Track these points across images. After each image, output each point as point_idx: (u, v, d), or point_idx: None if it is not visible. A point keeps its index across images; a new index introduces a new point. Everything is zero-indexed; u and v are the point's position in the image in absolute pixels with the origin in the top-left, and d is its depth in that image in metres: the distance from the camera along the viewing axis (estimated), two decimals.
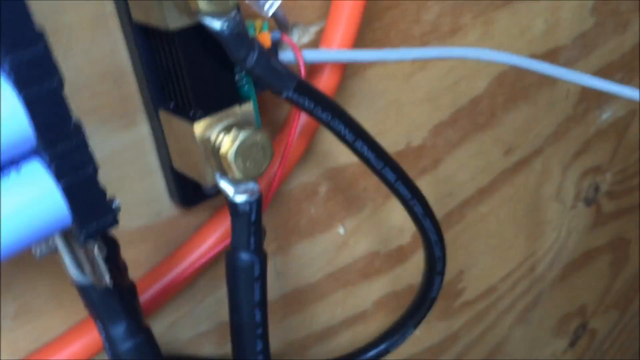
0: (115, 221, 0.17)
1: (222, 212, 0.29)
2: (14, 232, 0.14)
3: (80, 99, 0.24)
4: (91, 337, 0.25)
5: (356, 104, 0.34)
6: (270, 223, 0.33)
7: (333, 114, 0.26)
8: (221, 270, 0.27)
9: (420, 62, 0.36)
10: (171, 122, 0.25)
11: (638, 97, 0.27)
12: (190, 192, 0.27)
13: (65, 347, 0.25)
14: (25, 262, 0.25)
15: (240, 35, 0.22)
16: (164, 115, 0.25)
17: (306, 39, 0.31)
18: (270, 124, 0.30)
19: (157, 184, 0.28)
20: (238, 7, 0.22)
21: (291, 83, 0.24)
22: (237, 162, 0.23)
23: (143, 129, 0.26)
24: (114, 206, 0.18)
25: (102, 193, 0.16)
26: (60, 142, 0.14)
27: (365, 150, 0.27)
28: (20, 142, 0.14)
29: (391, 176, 0.28)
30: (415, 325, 0.36)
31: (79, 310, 0.26)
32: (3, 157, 0.14)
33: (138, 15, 0.23)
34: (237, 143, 0.23)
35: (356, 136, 0.27)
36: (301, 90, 0.25)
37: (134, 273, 0.24)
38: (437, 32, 0.37)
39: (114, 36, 0.24)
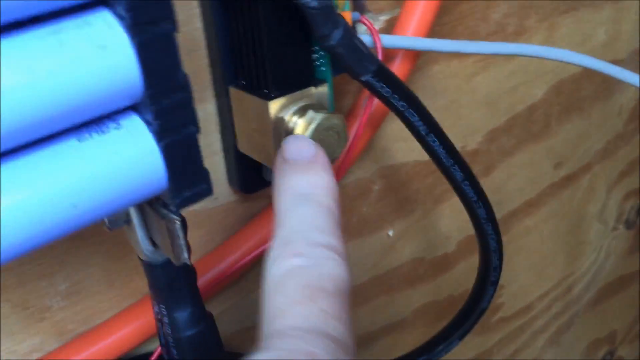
0: (210, 191, 0.15)
1: None
2: (109, 191, 0.13)
3: None
4: (142, 321, 0.24)
5: None
6: None
7: (409, 104, 0.24)
8: None
9: (483, 63, 0.35)
10: (242, 100, 0.23)
11: None
12: (250, 178, 0.26)
13: (114, 332, 0.23)
14: (78, 241, 0.23)
15: (329, 9, 0.21)
16: (234, 93, 0.24)
17: (377, 26, 0.29)
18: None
19: (217, 166, 0.26)
20: None
21: (372, 66, 0.23)
22: None
23: (209, 107, 0.25)
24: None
25: (200, 159, 0.15)
26: (166, 96, 0.13)
27: (436, 145, 0.26)
28: (128, 91, 0.12)
29: (459, 175, 0.27)
30: (461, 337, 0.35)
31: (130, 293, 0.25)
32: (107, 109, 0.12)
33: None
34: (313, 125, 0.22)
35: (429, 129, 0.25)
36: (380, 75, 0.23)
37: None
38: (503, 33, 0.35)
39: (190, 5, 0.23)
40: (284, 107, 0.23)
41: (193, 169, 0.14)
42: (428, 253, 0.38)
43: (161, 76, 0.13)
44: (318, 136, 0.22)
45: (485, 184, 0.40)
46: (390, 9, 0.30)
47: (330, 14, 0.21)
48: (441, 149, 0.26)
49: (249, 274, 0.29)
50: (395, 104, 0.24)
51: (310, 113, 0.22)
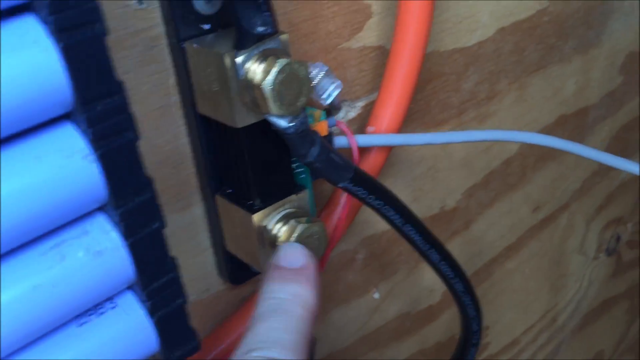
0: (198, 347, 0.17)
1: None
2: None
3: None
4: None
5: (395, 173, 0.35)
6: None
7: (385, 202, 0.26)
8: None
9: (458, 129, 0.37)
10: (228, 209, 0.25)
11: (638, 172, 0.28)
12: (239, 270, 0.28)
13: None
14: None
15: (304, 133, 0.23)
16: (220, 201, 0.25)
17: (353, 113, 0.31)
18: (316, 195, 0.31)
19: (208, 261, 0.28)
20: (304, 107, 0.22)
21: (348, 174, 0.25)
22: None
23: (197, 211, 0.27)
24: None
25: (188, 322, 0.16)
26: (156, 279, 0.14)
27: (413, 233, 0.27)
28: (122, 279, 0.14)
29: (436, 257, 0.29)
30: None
31: None
32: (103, 296, 0.14)
33: (204, 109, 0.23)
34: (295, 234, 0.24)
35: (405, 220, 0.27)
36: (356, 180, 0.25)
37: None
38: (475, 99, 0.37)
39: (177, 124, 0.25)
40: (267, 216, 0.24)
41: (182, 332, 0.16)
42: (413, 307, 0.40)
43: (151, 265, 0.14)
44: (300, 243, 0.24)
45: (466, 236, 0.42)
46: (367, 94, 0.31)
47: (307, 135, 0.23)
48: (418, 236, 0.28)
49: None
50: (372, 203, 0.26)
51: (292, 222, 0.24)
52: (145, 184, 0.14)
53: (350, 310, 0.36)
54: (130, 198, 0.14)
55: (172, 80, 0.24)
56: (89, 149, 0.13)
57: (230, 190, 0.25)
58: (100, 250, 0.14)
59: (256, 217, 0.24)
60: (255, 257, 0.25)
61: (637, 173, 0.32)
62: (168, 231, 0.26)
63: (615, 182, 0.53)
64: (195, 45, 0.22)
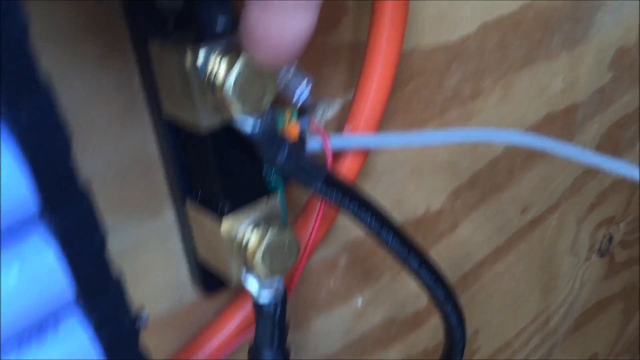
0: None
1: (243, 296, 0.28)
2: None
3: (108, 191, 0.23)
4: None
5: (378, 176, 0.34)
6: (289, 299, 0.32)
7: (360, 205, 0.25)
8: (242, 357, 0.26)
9: (442, 129, 0.36)
10: (198, 214, 0.24)
11: (638, 177, 0.26)
12: (213, 278, 0.27)
13: None
14: None
15: (271, 135, 0.22)
16: (191, 207, 0.24)
17: (330, 113, 0.30)
18: (292, 204, 0.30)
19: (181, 269, 0.27)
20: (270, 106, 0.21)
21: (319, 177, 0.24)
22: (264, 261, 0.23)
23: (169, 217, 0.26)
24: (142, 316, 0.17)
25: (137, 345, 0.15)
26: (100, 297, 0.13)
27: (390, 238, 0.26)
28: (59, 298, 0.13)
29: (415, 262, 0.28)
30: None
31: None
32: (41, 317, 0.13)
33: (169, 110, 0.22)
34: (264, 244, 0.23)
35: (382, 225, 0.26)
36: (328, 183, 0.24)
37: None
38: (459, 98, 0.36)
39: (143, 127, 0.24)
40: (236, 222, 0.23)
41: (132, 355, 0.15)
42: (399, 313, 0.39)
43: (93, 282, 0.13)
44: (270, 253, 0.23)
45: (452, 239, 0.40)
46: (344, 93, 0.30)
47: (273, 138, 0.22)
48: (395, 241, 0.27)
49: None
50: (347, 207, 0.25)
51: (262, 229, 0.23)
52: (82, 195, 0.13)
53: (333, 317, 0.35)
54: (66, 210, 0.13)
55: (136, 80, 0.23)
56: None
57: (200, 195, 0.24)
58: (36, 268, 0.12)
59: (225, 223, 0.23)
60: (226, 265, 0.24)
61: (629, 175, 0.30)
62: (140, 239, 0.25)
63: (607, 181, 0.52)
64: (157, 44, 0.21)
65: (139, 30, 0.22)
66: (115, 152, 0.23)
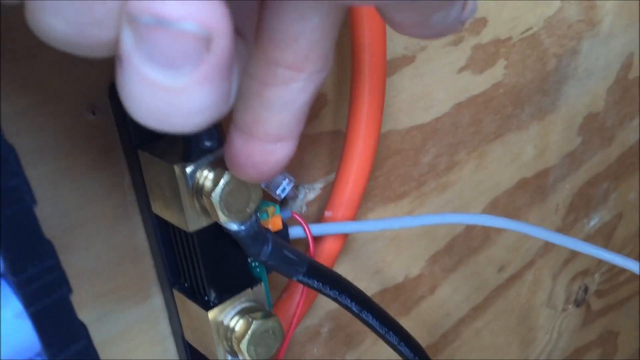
0: None
1: None
2: None
3: (99, 282, 0.25)
4: None
5: (358, 248, 0.35)
6: None
7: (340, 290, 0.27)
8: None
9: (419, 200, 0.38)
10: (185, 303, 0.26)
11: (638, 271, 0.28)
12: (201, 357, 0.28)
13: None
14: None
15: (256, 233, 0.23)
16: (178, 295, 0.26)
17: (312, 195, 0.32)
18: (276, 279, 0.31)
19: (169, 349, 0.28)
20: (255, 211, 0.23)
21: (302, 268, 0.25)
22: (249, 350, 0.24)
23: (157, 301, 0.27)
24: None
25: None
26: (66, 349, 0.15)
27: (370, 318, 0.28)
28: (26, 351, 0.14)
29: (394, 339, 0.29)
30: None
31: None
32: None
33: (158, 211, 0.24)
34: (249, 333, 0.24)
35: (362, 307, 0.28)
36: (311, 273, 0.26)
37: None
38: (435, 171, 0.38)
39: (133, 221, 0.25)
40: (222, 312, 0.25)
41: None
42: None
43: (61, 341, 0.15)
44: (255, 340, 0.24)
45: (431, 301, 0.42)
46: (325, 175, 0.32)
47: (258, 235, 0.24)
48: (375, 321, 0.28)
49: None
50: (328, 293, 0.27)
51: (247, 318, 0.25)
52: (47, 248, 0.14)
53: None
54: (30, 264, 0.14)
55: (127, 180, 0.25)
56: None
57: (187, 284, 0.26)
58: None
59: (211, 314, 0.25)
60: (212, 351, 0.26)
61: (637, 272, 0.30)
62: (129, 325, 0.27)
63: (580, 236, 0.54)
64: (147, 154, 0.23)
65: (130, 139, 0.24)
66: (107, 245, 0.25)
